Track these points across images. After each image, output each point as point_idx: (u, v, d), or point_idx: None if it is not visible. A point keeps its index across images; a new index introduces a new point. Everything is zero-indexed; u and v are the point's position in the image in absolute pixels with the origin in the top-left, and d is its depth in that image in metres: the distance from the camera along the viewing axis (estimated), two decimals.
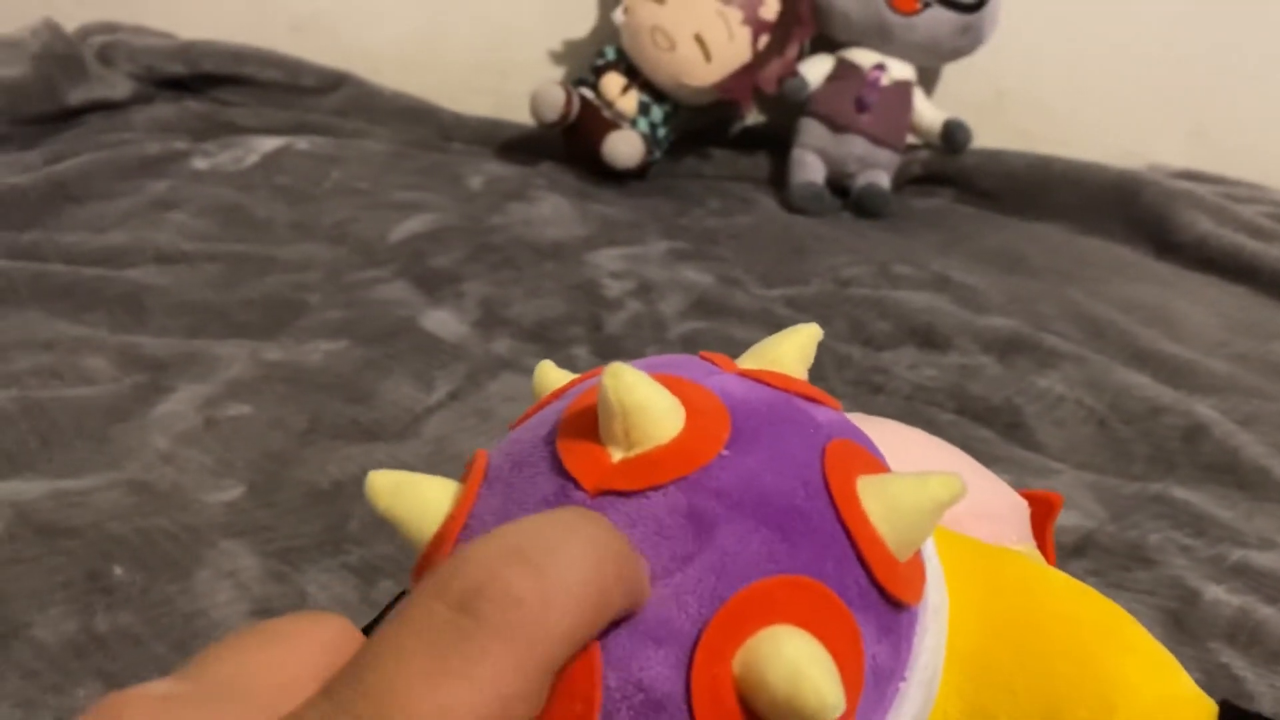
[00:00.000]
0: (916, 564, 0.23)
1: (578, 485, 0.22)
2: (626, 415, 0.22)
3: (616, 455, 0.22)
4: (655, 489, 0.22)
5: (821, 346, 0.27)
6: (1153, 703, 0.23)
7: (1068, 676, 0.23)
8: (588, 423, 0.23)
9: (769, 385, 0.25)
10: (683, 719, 0.20)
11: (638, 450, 0.22)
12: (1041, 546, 0.33)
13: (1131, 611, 0.26)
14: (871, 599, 0.21)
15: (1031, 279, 0.90)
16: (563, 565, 0.17)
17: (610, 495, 0.22)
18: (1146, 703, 0.23)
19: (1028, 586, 0.26)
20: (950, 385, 0.68)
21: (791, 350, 0.27)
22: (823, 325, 0.27)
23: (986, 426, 0.65)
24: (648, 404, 0.22)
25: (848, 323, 0.76)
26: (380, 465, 0.54)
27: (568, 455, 0.22)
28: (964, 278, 0.86)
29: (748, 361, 0.27)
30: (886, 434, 0.32)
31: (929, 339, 0.74)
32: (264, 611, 0.44)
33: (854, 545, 0.22)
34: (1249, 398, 0.69)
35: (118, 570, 0.45)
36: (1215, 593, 0.49)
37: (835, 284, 0.84)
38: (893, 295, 0.80)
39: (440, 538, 0.22)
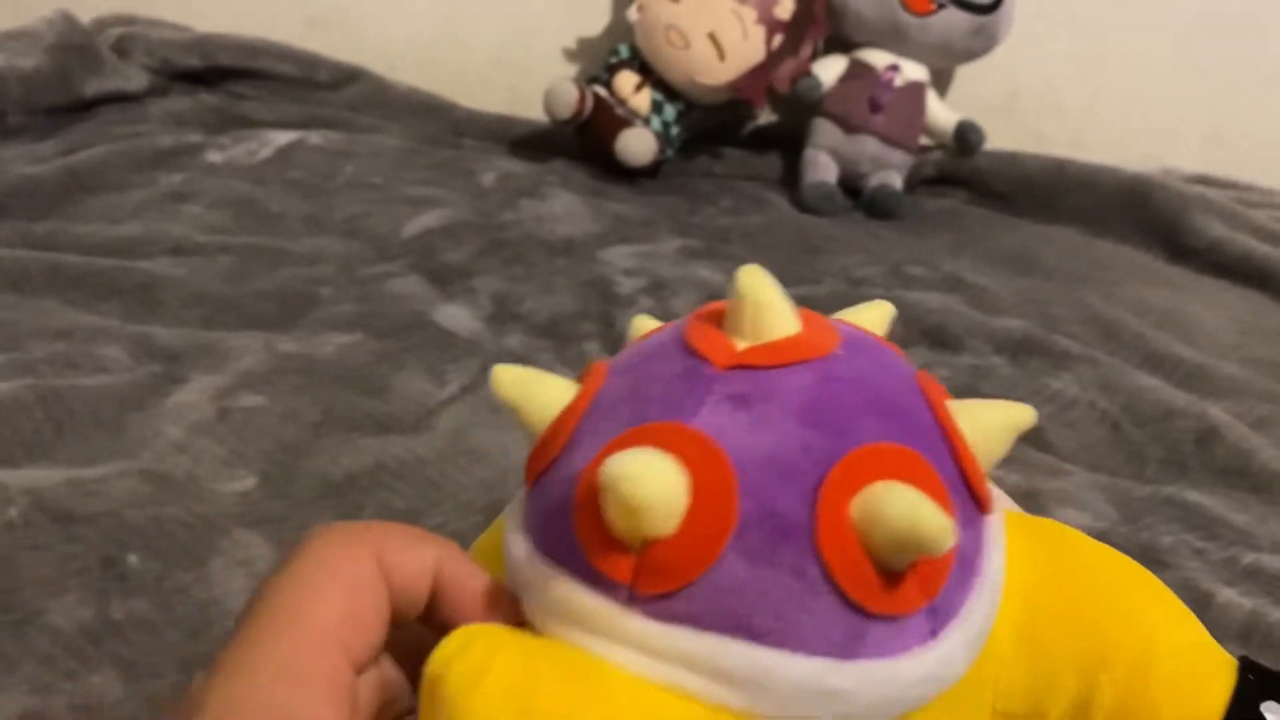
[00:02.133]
0: (989, 487, 0.25)
1: (709, 362, 0.24)
2: (756, 307, 0.24)
3: (741, 345, 0.24)
4: (783, 366, 0.24)
5: None
6: (1186, 646, 0.26)
7: (1111, 615, 0.26)
8: (714, 321, 0.25)
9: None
10: (808, 545, 0.21)
11: (761, 342, 0.24)
12: None
13: None
14: (960, 491, 0.24)
15: (1044, 281, 0.90)
16: None
17: (741, 369, 0.24)
18: (1180, 645, 0.26)
19: (1065, 543, 0.28)
20: (962, 386, 0.68)
21: (871, 319, 0.29)
22: None
23: None
24: (776, 300, 0.24)
25: None
26: (394, 457, 0.54)
27: (697, 342, 0.25)
28: (976, 279, 0.86)
29: None
30: None
31: (941, 339, 0.74)
32: None
33: (948, 442, 0.24)
34: (1262, 401, 0.68)
35: (132, 558, 0.45)
36: (1228, 595, 0.48)
37: (847, 284, 0.84)
38: (905, 296, 0.80)
39: (559, 423, 0.24)
